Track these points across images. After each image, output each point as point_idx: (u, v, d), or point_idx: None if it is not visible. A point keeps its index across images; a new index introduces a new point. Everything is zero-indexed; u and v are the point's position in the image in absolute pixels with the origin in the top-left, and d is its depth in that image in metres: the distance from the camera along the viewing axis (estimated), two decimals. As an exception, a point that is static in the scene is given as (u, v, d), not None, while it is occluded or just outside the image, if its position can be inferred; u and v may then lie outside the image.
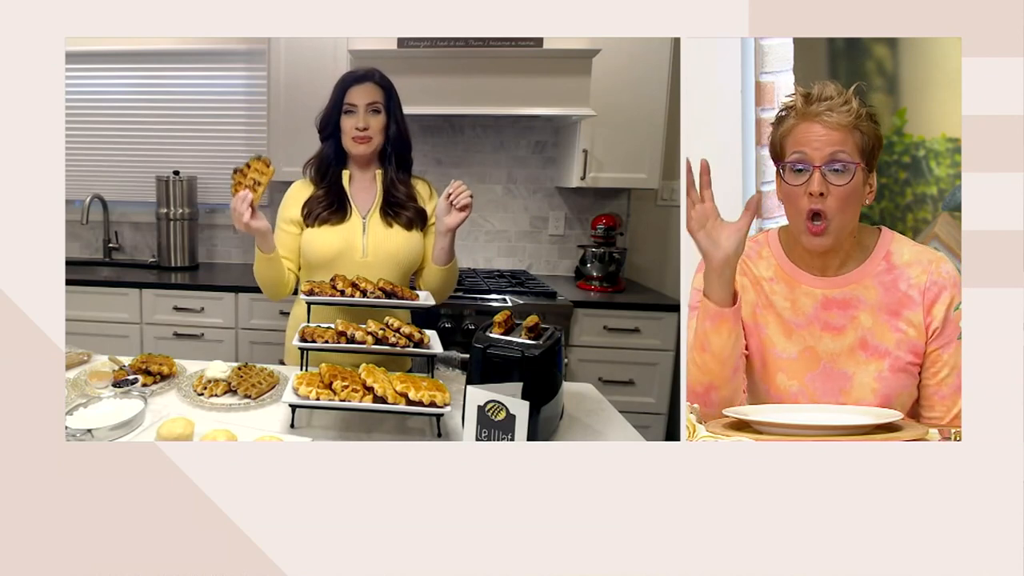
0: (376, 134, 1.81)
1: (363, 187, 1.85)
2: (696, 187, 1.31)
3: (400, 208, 1.83)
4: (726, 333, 1.32)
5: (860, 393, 1.35)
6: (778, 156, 1.35)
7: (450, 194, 1.70)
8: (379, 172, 1.85)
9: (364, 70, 1.83)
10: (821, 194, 1.29)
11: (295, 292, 1.86)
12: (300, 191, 1.86)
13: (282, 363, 1.93)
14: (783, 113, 1.35)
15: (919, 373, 1.37)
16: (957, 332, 1.33)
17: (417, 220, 1.84)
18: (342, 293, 1.64)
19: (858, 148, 1.30)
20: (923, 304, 1.34)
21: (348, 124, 1.80)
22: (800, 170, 1.30)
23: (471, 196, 1.70)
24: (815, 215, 1.30)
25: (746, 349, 1.40)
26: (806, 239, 1.33)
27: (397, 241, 1.81)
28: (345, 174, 1.84)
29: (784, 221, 1.42)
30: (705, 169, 1.30)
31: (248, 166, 1.69)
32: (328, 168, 1.85)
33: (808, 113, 1.31)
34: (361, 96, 1.79)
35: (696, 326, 1.36)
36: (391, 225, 1.81)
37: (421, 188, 1.89)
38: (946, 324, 1.33)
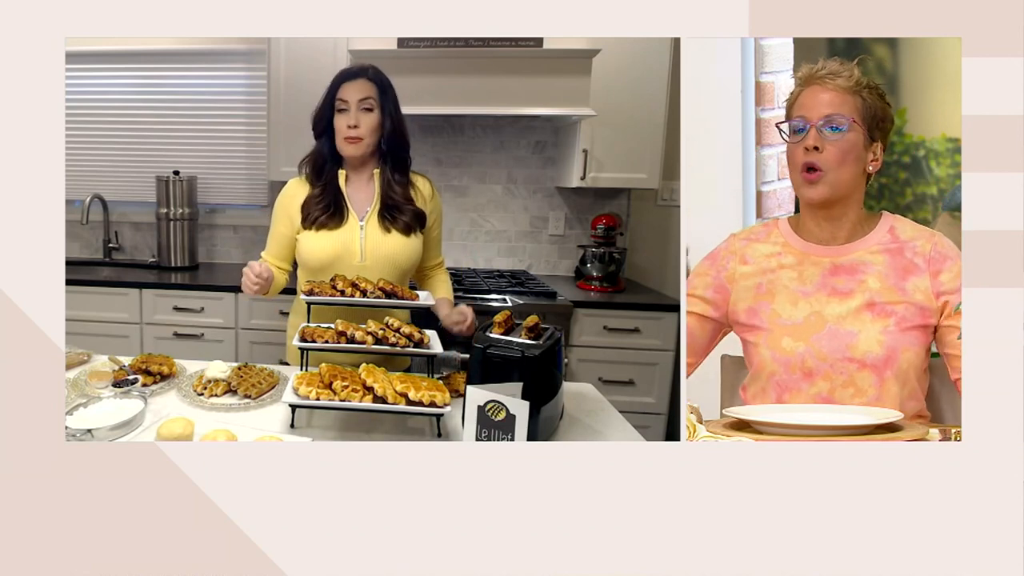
0: (368, 134, 1.76)
1: (360, 186, 1.82)
2: None
3: (398, 212, 1.80)
4: None
5: (867, 346, 1.38)
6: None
7: (457, 321, 1.83)
8: (376, 171, 1.81)
9: (358, 66, 1.80)
10: (816, 148, 1.37)
11: (292, 291, 1.86)
12: (297, 190, 1.83)
13: (283, 363, 1.93)
14: (793, 88, 1.46)
15: (933, 335, 1.40)
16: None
17: (415, 223, 1.81)
18: (342, 293, 1.63)
19: (858, 112, 1.38)
20: (928, 271, 1.39)
21: (340, 123, 1.76)
22: (799, 130, 1.40)
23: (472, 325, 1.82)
24: (809, 167, 1.39)
25: (751, 326, 1.46)
26: (803, 191, 1.41)
27: (395, 246, 1.79)
28: (341, 173, 1.80)
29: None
30: None
31: None
32: (323, 167, 1.81)
33: (811, 78, 1.41)
34: (353, 92, 1.75)
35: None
36: (389, 230, 1.79)
37: (421, 185, 1.86)
38: (956, 292, 1.36)
